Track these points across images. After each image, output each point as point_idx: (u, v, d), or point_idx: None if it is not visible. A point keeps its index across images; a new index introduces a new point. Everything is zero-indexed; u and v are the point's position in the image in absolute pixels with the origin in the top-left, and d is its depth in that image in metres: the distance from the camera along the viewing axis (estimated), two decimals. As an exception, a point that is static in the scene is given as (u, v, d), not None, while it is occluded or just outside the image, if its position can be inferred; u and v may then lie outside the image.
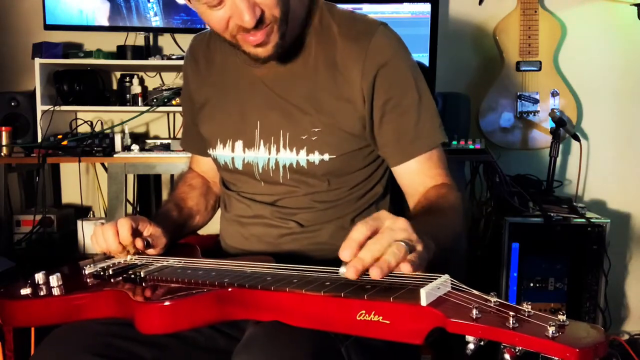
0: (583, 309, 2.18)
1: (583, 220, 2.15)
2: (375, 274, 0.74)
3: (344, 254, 0.78)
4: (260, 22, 1.01)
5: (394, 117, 1.13)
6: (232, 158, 1.21)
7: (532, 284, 2.18)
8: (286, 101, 1.15)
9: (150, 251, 1.14)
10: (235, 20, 1.01)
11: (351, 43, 1.12)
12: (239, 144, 1.20)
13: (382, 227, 0.80)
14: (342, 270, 0.78)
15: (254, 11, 0.99)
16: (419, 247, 0.80)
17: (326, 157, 1.13)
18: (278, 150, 1.15)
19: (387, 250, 0.77)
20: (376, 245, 0.77)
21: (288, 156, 1.15)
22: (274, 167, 1.17)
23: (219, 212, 1.37)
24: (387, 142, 1.14)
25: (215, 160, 1.27)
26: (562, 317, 0.63)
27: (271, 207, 1.19)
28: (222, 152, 1.23)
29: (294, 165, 1.15)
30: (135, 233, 1.10)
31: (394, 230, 0.79)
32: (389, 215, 0.82)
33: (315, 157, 1.13)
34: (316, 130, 1.13)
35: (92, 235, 1.12)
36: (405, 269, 0.76)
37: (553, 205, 2.26)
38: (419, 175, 1.14)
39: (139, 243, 1.10)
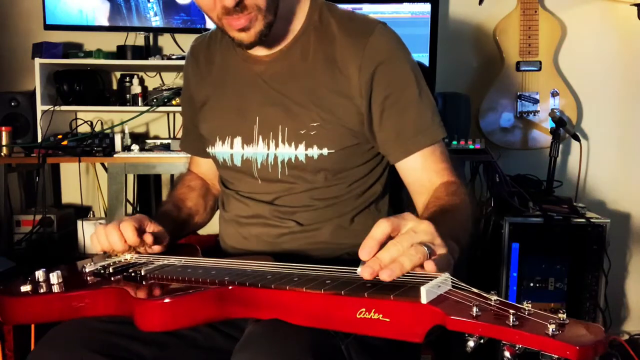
0: (583, 309, 2.18)
1: (583, 220, 2.15)
2: (384, 276, 0.72)
3: (363, 253, 0.77)
4: (242, 6, 1.02)
5: (394, 113, 1.12)
6: (231, 155, 1.21)
7: (532, 284, 2.18)
8: (285, 96, 1.16)
9: (154, 248, 1.14)
10: (218, 3, 1.03)
11: (350, 40, 1.13)
12: (238, 140, 1.20)
13: (404, 228, 0.79)
14: (359, 270, 0.76)
15: None
16: (442, 251, 0.78)
17: (325, 151, 1.13)
18: (277, 145, 1.16)
19: (405, 252, 0.75)
20: (396, 247, 0.75)
21: (287, 151, 1.15)
22: (272, 163, 1.17)
23: (218, 212, 1.37)
24: (387, 137, 1.14)
25: (214, 158, 1.27)
26: (562, 316, 0.63)
27: (270, 206, 1.19)
28: (221, 149, 1.23)
29: (293, 161, 1.15)
30: (140, 232, 1.10)
31: (416, 233, 0.77)
32: (413, 216, 0.80)
33: (314, 152, 1.14)
34: (315, 124, 1.13)
35: (94, 235, 1.10)
36: (429, 267, 0.74)
37: (553, 205, 2.26)
38: (424, 171, 1.13)
39: (149, 238, 1.09)
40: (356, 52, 1.11)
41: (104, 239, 1.09)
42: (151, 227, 1.13)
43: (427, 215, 1.02)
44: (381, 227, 0.78)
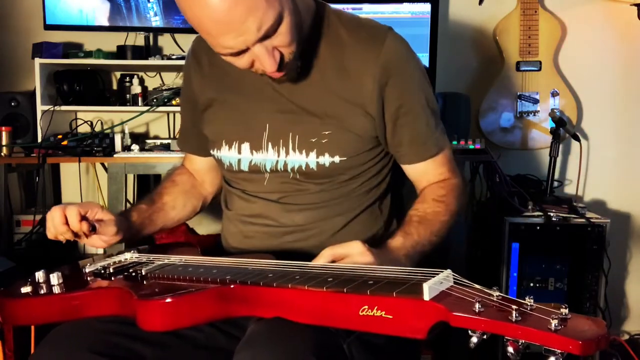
0: (583, 309, 2.18)
1: (583, 220, 2.15)
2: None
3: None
4: (281, 64, 1.03)
5: (407, 121, 1.15)
6: (239, 160, 1.21)
7: (532, 284, 2.18)
8: (296, 105, 1.15)
9: (92, 237, 1.15)
10: (258, 65, 1.03)
11: (361, 48, 1.13)
12: (246, 146, 1.19)
13: (347, 259, 0.96)
14: None
15: (274, 57, 1.01)
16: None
17: (337, 159, 1.14)
18: (287, 152, 1.16)
19: None
20: None
21: (297, 158, 1.15)
22: (282, 169, 1.17)
23: (219, 212, 1.36)
24: (400, 143, 1.18)
25: (219, 161, 1.26)
26: (564, 311, 0.63)
27: (275, 204, 1.19)
28: (227, 153, 1.22)
29: (303, 168, 1.15)
30: (84, 219, 1.12)
31: (352, 256, 0.96)
32: (359, 249, 0.97)
33: (326, 159, 1.14)
34: (326, 133, 1.13)
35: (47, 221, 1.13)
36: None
37: (553, 205, 2.26)
38: (425, 174, 1.21)
39: (84, 226, 1.10)
40: (369, 60, 1.11)
41: (50, 221, 1.11)
42: (99, 214, 1.15)
43: (403, 226, 1.13)
44: (323, 259, 0.97)
